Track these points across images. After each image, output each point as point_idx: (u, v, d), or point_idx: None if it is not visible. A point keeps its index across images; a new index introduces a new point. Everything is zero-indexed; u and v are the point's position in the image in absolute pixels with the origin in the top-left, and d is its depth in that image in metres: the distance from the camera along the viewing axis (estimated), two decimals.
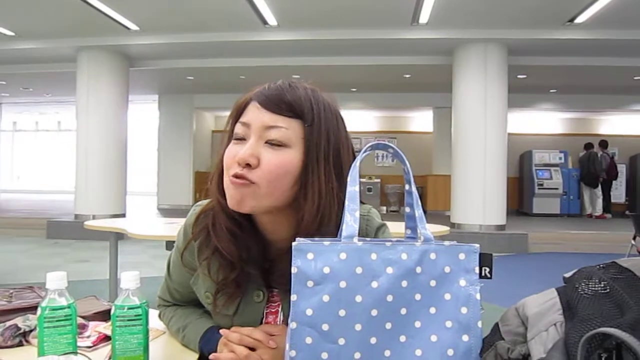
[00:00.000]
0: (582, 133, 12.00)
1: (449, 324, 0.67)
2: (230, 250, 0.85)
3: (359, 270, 0.65)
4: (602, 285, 0.62)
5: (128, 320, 0.77)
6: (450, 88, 7.67)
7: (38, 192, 16.24)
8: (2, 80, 10.37)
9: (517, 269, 5.77)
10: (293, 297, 0.64)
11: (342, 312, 0.63)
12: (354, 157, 0.84)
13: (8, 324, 0.97)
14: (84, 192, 7.80)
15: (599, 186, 10.47)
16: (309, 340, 0.63)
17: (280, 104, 0.80)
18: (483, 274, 0.70)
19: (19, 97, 12.78)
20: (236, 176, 0.79)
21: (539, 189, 10.66)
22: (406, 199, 0.75)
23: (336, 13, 6.40)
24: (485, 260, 0.70)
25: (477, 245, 0.70)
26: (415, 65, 8.19)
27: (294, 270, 0.65)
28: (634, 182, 11.37)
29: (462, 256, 0.69)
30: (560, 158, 10.97)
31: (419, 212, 0.72)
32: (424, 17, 6.42)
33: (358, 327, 0.63)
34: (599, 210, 10.48)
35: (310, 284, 0.64)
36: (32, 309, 1.03)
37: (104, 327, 1.02)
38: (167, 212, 10.16)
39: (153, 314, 0.99)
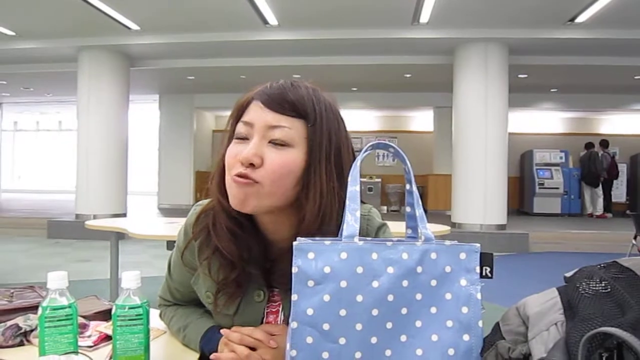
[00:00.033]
0: (582, 132, 11.99)
1: (449, 323, 0.67)
2: (230, 250, 0.85)
3: (359, 269, 0.65)
4: (603, 284, 0.62)
5: (129, 319, 0.77)
6: (451, 87, 7.67)
7: (39, 192, 16.26)
8: (3, 80, 10.37)
9: (517, 269, 5.77)
10: (294, 297, 0.64)
11: (342, 312, 0.63)
12: (354, 157, 0.85)
13: (9, 323, 0.98)
14: (84, 191, 7.80)
15: (600, 186, 10.46)
16: (309, 339, 0.63)
17: (284, 103, 0.80)
18: (484, 274, 0.70)
19: (19, 97, 12.79)
20: (239, 175, 0.78)
21: (539, 188, 10.65)
22: (407, 199, 0.74)
23: (337, 13, 6.40)
24: (486, 259, 0.70)
25: (478, 245, 0.70)
26: (416, 65, 8.19)
27: (294, 269, 0.65)
28: (634, 182, 11.36)
29: (462, 256, 0.69)
30: (561, 157, 10.96)
31: (419, 211, 0.72)
32: (424, 17, 6.42)
33: (359, 326, 0.63)
34: (599, 209, 10.48)
35: (311, 283, 0.64)
36: (33, 308, 1.03)
37: (105, 327, 1.02)
38: (168, 211, 10.16)
39: (154, 313, 0.99)
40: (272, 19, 6.62)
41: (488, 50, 7.17)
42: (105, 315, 1.11)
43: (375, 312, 0.64)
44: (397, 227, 1.27)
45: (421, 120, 12.65)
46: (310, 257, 0.65)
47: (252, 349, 0.81)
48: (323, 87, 0.86)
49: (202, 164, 11.90)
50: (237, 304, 0.89)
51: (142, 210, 10.87)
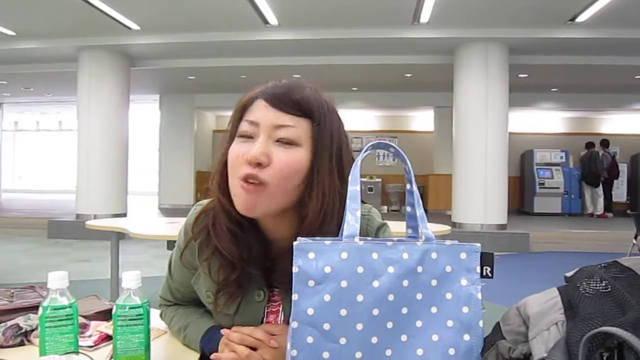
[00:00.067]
0: (583, 132, 11.99)
1: (450, 323, 0.67)
2: (231, 250, 0.84)
3: (360, 269, 0.65)
4: (604, 284, 0.61)
5: (129, 319, 0.77)
6: (451, 87, 7.67)
7: (39, 192, 16.27)
8: (3, 80, 10.38)
9: (518, 269, 5.77)
10: (294, 297, 0.64)
11: (343, 312, 0.63)
12: (353, 157, 0.85)
13: (9, 323, 0.98)
14: (85, 191, 7.81)
15: (600, 185, 10.46)
16: (310, 339, 0.63)
17: (290, 102, 0.81)
18: (484, 274, 0.70)
19: (20, 97, 12.80)
20: (248, 177, 0.78)
21: (540, 188, 10.65)
22: (407, 199, 0.75)
23: (337, 12, 6.40)
24: (486, 259, 0.70)
25: (479, 245, 0.70)
26: (416, 65, 8.19)
27: (295, 269, 0.65)
28: (635, 181, 11.36)
29: (463, 255, 0.69)
30: (561, 157, 10.96)
31: (420, 211, 0.72)
32: (424, 17, 6.42)
33: (359, 326, 0.63)
34: (600, 209, 10.47)
35: (311, 283, 0.64)
36: (34, 308, 1.03)
37: (106, 327, 1.02)
38: (168, 211, 10.16)
39: (154, 313, 0.99)
40: (272, 19, 6.62)
41: (488, 50, 7.17)
42: (105, 315, 1.11)
43: (375, 311, 0.64)
44: (397, 227, 1.27)
45: (421, 120, 12.65)
46: (310, 257, 0.65)
47: (253, 348, 0.81)
48: (322, 87, 0.87)
49: (202, 164, 11.90)
50: (238, 304, 0.89)
51: (143, 210, 10.87)
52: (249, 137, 0.81)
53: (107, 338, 0.98)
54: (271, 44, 7.37)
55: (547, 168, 10.82)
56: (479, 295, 0.68)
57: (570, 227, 8.14)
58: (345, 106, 11.09)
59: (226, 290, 0.87)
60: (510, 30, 6.84)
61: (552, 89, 10.51)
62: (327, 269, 0.64)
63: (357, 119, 12.39)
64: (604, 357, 0.53)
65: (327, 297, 0.63)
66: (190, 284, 0.96)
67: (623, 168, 11.19)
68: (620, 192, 11.22)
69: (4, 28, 7.09)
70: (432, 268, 0.67)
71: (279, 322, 0.88)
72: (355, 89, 10.74)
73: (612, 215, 10.38)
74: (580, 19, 6.32)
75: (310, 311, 0.63)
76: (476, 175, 7.19)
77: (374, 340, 0.64)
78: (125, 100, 8.23)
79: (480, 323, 0.67)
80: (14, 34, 7.33)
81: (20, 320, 0.99)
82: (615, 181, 10.72)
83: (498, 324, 0.68)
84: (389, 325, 0.65)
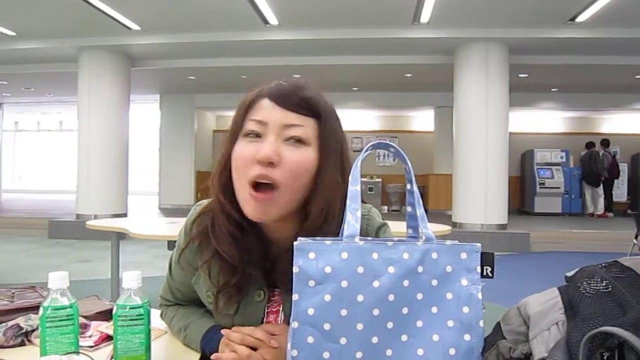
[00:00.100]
0: (583, 132, 11.99)
1: (450, 323, 0.67)
2: (231, 253, 0.84)
3: (360, 269, 0.65)
4: (604, 284, 0.61)
5: (130, 319, 0.77)
6: (452, 87, 7.67)
7: (40, 192, 16.28)
8: (3, 80, 10.38)
9: (518, 268, 5.76)
10: (295, 297, 0.64)
11: (343, 312, 0.63)
12: (351, 156, 0.85)
13: (10, 323, 0.98)
14: (85, 191, 7.81)
15: (601, 185, 10.45)
16: (310, 339, 0.63)
17: (297, 101, 0.81)
18: (485, 273, 0.70)
19: (20, 97, 12.80)
20: (260, 177, 0.77)
21: (540, 188, 10.65)
22: (408, 198, 0.75)
23: (337, 12, 6.40)
24: (487, 259, 0.70)
25: (479, 245, 0.70)
26: (417, 65, 8.18)
27: (295, 269, 0.65)
28: (635, 181, 11.35)
29: (463, 255, 0.69)
30: (561, 157, 10.95)
31: (420, 211, 0.73)
32: (425, 17, 6.41)
33: (360, 326, 0.63)
34: (600, 209, 10.47)
35: (311, 283, 0.64)
36: (34, 308, 1.03)
37: (106, 327, 1.02)
38: (169, 211, 10.17)
39: (155, 313, 0.99)
40: (272, 19, 6.62)
41: (488, 50, 7.17)
42: (106, 315, 1.11)
43: (376, 311, 0.64)
44: (398, 227, 1.27)
45: (422, 120, 12.65)
46: (311, 257, 0.65)
47: (253, 348, 0.81)
48: (323, 87, 0.87)
49: (203, 164, 11.90)
50: (238, 304, 0.89)
51: (143, 210, 10.87)
52: (256, 136, 0.81)
53: (108, 338, 0.98)
54: (271, 44, 7.37)
55: (547, 168, 10.82)
56: (480, 295, 0.68)
57: (571, 227, 8.14)
58: (345, 106, 11.09)
59: (226, 293, 0.87)
60: (510, 30, 6.84)
61: (552, 89, 10.51)
62: (328, 269, 0.64)
63: (357, 119, 12.39)
64: (605, 357, 0.53)
65: (327, 297, 0.63)
66: (191, 284, 0.96)
67: (623, 168, 11.18)
68: (620, 191, 11.21)
69: (4, 28, 7.10)
70: (433, 268, 0.67)
71: (279, 322, 0.88)
72: (355, 89, 10.74)
73: (613, 215, 10.37)
74: (580, 19, 6.31)
75: (311, 311, 0.63)
76: (476, 175, 7.19)
77: (375, 340, 0.64)
78: (125, 100, 8.23)
79: (481, 323, 0.67)
80: (14, 34, 7.33)
81: (20, 320, 0.99)
82: (615, 181, 10.72)
83: (498, 323, 0.68)
84: (390, 325, 0.65)
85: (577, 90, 10.49)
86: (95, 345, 0.97)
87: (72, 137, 9.50)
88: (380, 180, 11.55)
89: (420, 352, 0.65)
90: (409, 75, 9.25)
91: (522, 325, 0.64)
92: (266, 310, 0.89)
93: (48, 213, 9.08)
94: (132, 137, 8.63)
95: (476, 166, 7.19)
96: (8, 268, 5.32)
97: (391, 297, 0.65)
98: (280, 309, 0.89)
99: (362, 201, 0.80)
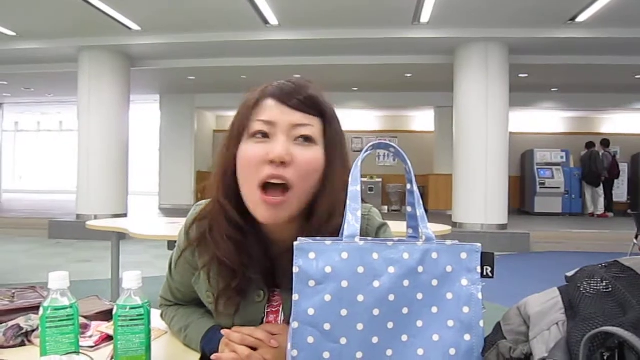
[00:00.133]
0: (583, 132, 11.99)
1: (450, 323, 0.67)
2: (231, 258, 0.84)
3: (360, 269, 0.65)
4: (604, 284, 0.61)
5: (130, 320, 0.77)
6: (452, 87, 7.67)
7: (40, 192, 16.28)
8: (3, 80, 10.38)
9: (519, 268, 5.76)
10: (295, 297, 0.64)
11: (344, 312, 0.63)
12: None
13: (10, 323, 0.98)
14: (85, 192, 7.81)
15: (601, 185, 10.45)
16: (310, 339, 0.63)
17: (303, 101, 0.81)
18: (485, 273, 0.70)
19: (20, 98, 12.80)
20: (272, 177, 0.77)
21: (540, 188, 10.65)
22: (408, 199, 0.75)
23: (337, 12, 6.40)
24: (487, 259, 0.70)
25: (479, 245, 0.70)
26: (417, 65, 8.18)
27: (295, 269, 0.65)
28: (635, 181, 11.35)
29: (463, 255, 0.69)
30: (562, 157, 10.95)
31: (420, 211, 0.73)
32: (425, 17, 6.42)
33: (360, 326, 0.63)
34: (600, 209, 10.47)
35: (312, 283, 0.64)
36: (35, 308, 1.03)
37: (106, 327, 1.02)
38: (169, 212, 10.16)
39: (155, 313, 0.99)
40: (272, 19, 6.62)
41: (488, 50, 7.16)
42: (106, 315, 1.11)
43: (376, 312, 0.64)
44: (398, 227, 1.27)
45: (422, 120, 12.65)
46: (311, 257, 0.65)
47: (253, 348, 0.81)
48: (323, 87, 0.87)
49: (203, 164, 11.91)
50: (238, 304, 0.89)
51: (143, 211, 10.87)
52: (264, 137, 0.80)
53: (108, 338, 0.98)
54: (271, 44, 7.37)
55: (547, 168, 10.82)
56: (480, 295, 0.68)
57: (571, 227, 8.14)
58: (345, 106, 11.09)
59: (226, 295, 0.87)
60: (510, 30, 6.84)
61: (552, 89, 10.51)
62: (328, 269, 0.64)
63: (358, 119, 12.39)
64: (605, 357, 0.53)
65: (327, 297, 0.63)
66: (191, 284, 0.96)
67: (624, 168, 11.18)
68: (620, 191, 11.22)
69: (4, 28, 7.10)
70: (433, 268, 0.67)
71: (279, 322, 0.88)
72: (355, 89, 10.74)
73: (613, 215, 10.37)
74: (580, 19, 6.31)
75: (311, 311, 0.63)
76: (477, 175, 7.19)
77: (375, 340, 0.64)
78: (125, 100, 8.23)
79: (481, 323, 0.67)
80: (14, 34, 7.34)
81: (21, 320, 0.99)
82: (615, 181, 10.72)
83: (499, 323, 0.68)
84: (390, 325, 0.65)
85: (577, 90, 10.49)
86: (96, 346, 0.97)
87: (72, 137, 9.51)
88: (380, 180, 11.55)
89: (420, 352, 0.65)
90: (409, 75, 9.25)
91: (522, 325, 0.64)
92: (266, 311, 0.89)
93: (48, 213, 9.08)
94: (132, 138, 8.63)
95: (476, 166, 7.19)
96: (8, 268, 5.32)
97: (391, 297, 0.65)
98: (281, 309, 0.89)
99: (363, 201, 0.80)
